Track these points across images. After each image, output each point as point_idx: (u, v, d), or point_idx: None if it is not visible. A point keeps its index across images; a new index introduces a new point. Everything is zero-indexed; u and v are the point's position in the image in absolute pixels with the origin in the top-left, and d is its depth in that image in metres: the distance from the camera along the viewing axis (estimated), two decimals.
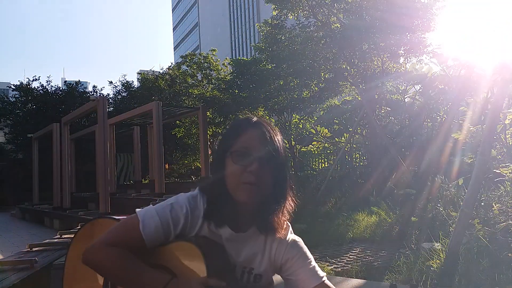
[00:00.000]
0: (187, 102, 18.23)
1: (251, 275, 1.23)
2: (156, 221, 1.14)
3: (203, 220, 1.18)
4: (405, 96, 10.20)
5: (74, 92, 20.37)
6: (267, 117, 13.27)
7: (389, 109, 10.64)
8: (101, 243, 1.14)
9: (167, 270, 1.14)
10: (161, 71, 22.02)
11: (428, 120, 9.86)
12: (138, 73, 23.20)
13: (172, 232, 1.16)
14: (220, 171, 1.17)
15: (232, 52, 73.00)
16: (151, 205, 1.20)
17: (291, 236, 1.30)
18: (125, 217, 1.23)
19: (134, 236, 1.13)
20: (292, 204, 1.27)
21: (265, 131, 1.18)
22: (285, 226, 1.27)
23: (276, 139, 1.19)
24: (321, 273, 1.25)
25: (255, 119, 1.23)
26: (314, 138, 12.99)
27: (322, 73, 10.62)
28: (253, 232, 1.23)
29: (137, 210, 1.19)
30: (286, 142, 13.08)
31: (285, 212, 1.25)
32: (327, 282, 1.24)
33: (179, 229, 1.16)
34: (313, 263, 1.27)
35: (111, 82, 22.10)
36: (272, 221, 1.21)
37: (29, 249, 5.43)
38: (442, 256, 3.91)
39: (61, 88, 21.25)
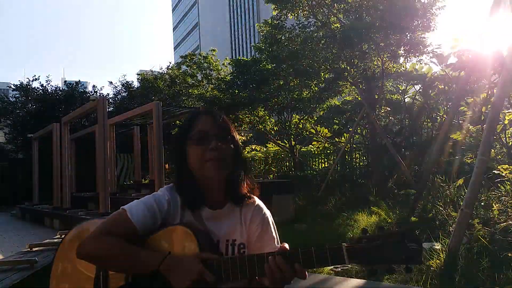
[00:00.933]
0: (187, 102, 18.23)
1: (234, 246, 1.31)
2: (142, 207, 1.23)
3: (182, 207, 1.28)
4: (405, 96, 10.21)
5: (74, 92, 20.33)
6: (267, 117, 13.28)
7: (389, 109, 10.64)
8: (94, 235, 1.19)
9: None
10: (160, 71, 22.02)
11: (428, 120, 9.87)
12: (137, 74, 23.19)
13: (159, 216, 1.24)
14: (183, 159, 1.30)
15: (232, 52, 73.02)
16: (135, 200, 1.28)
17: (258, 204, 1.40)
18: None
19: (125, 225, 1.20)
20: (250, 180, 1.39)
21: (216, 115, 1.33)
22: (251, 192, 1.38)
23: (225, 119, 1.34)
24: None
25: (203, 108, 1.33)
26: (314, 138, 13.00)
27: (322, 73, 10.61)
28: (229, 207, 1.33)
29: (122, 206, 1.27)
30: (286, 142, 13.09)
31: (247, 180, 1.36)
32: None
33: (164, 213, 1.25)
34: (277, 242, 1.35)
35: (111, 83, 22.13)
36: (241, 190, 1.33)
37: (29, 249, 5.43)
38: (442, 256, 3.91)
39: (61, 88, 21.22)
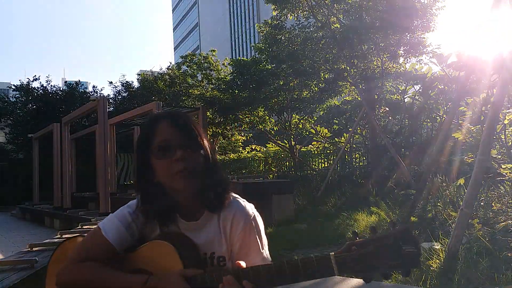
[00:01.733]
0: (187, 102, 18.22)
1: (213, 259, 1.22)
2: (116, 223, 1.18)
3: None
4: (405, 96, 10.21)
5: (74, 92, 20.33)
6: (267, 117, 13.29)
7: (388, 109, 10.64)
8: (71, 261, 1.15)
9: (143, 272, 1.14)
10: (160, 71, 22.01)
11: (428, 120, 9.87)
12: (138, 74, 23.19)
13: (136, 229, 1.19)
14: (150, 173, 1.18)
15: (232, 52, 72.98)
16: (110, 215, 1.23)
17: (239, 209, 1.24)
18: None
19: (101, 244, 1.16)
20: (226, 178, 1.26)
21: (175, 119, 1.19)
22: (227, 197, 1.24)
23: (188, 121, 1.20)
24: (267, 259, 1.22)
25: (161, 111, 1.26)
26: (314, 138, 12.99)
27: (322, 73, 10.62)
28: (205, 218, 1.22)
29: (98, 224, 1.22)
30: (286, 142, 13.08)
31: (218, 184, 1.22)
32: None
33: (139, 225, 1.19)
34: (262, 249, 1.23)
35: (111, 83, 22.10)
36: (215, 199, 1.21)
37: (29, 249, 5.43)
38: (442, 256, 3.92)
39: (61, 88, 21.22)
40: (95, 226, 1.21)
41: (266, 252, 1.23)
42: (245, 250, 1.21)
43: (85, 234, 1.28)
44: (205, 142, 1.21)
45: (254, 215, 1.24)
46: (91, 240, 1.19)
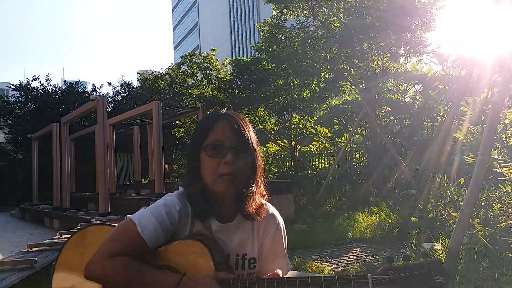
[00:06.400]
0: (187, 102, 18.20)
1: (245, 261, 1.25)
2: (154, 222, 1.15)
3: (193, 217, 1.21)
4: (405, 96, 10.19)
5: (73, 92, 20.33)
6: (267, 117, 13.28)
7: (389, 109, 10.63)
8: (103, 255, 1.12)
9: (172, 270, 1.14)
10: (160, 71, 22.00)
11: (428, 120, 9.85)
12: (137, 73, 23.18)
13: (171, 230, 1.18)
14: (196, 167, 1.21)
15: (232, 52, 72.98)
16: (142, 209, 1.21)
17: (272, 213, 1.33)
18: (117, 224, 1.24)
19: (135, 241, 1.13)
20: (264, 189, 1.30)
21: (234, 122, 1.21)
22: (263, 206, 1.29)
23: (245, 128, 1.22)
24: (290, 265, 1.34)
25: (223, 111, 1.26)
26: (314, 138, 12.98)
27: (322, 73, 10.60)
28: (239, 220, 1.26)
29: (128, 216, 1.19)
30: (286, 142, 13.08)
31: (258, 195, 1.26)
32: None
33: (175, 226, 1.19)
34: (286, 254, 1.34)
35: (110, 83, 22.11)
36: (251, 206, 1.24)
37: (29, 249, 5.43)
38: (442, 256, 3.91)
39: (60, 88, 21.20)
40: (126, 220, 1.17)
41: (287, 257, 1.34)
42: (273, 254, 1.30)
43: (114, 225, 1.25)
44: (257, 152, 1.24)
45: (282, 222, 1.34)
46: (124, 236, 1.15)
